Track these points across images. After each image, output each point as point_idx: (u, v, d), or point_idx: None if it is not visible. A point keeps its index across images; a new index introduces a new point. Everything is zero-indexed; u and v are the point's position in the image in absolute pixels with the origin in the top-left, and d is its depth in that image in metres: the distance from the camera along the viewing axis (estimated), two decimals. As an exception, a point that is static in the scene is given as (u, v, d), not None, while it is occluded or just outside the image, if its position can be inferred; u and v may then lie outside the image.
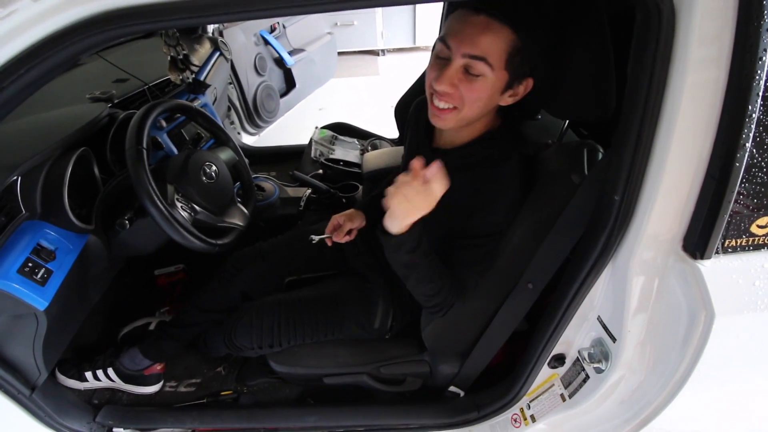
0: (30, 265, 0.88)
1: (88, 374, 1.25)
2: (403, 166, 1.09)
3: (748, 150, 0.58)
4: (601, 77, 0.78)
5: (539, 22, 0.75)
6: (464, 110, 0.80)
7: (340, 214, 1.11)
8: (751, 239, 0.65)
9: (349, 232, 1.10)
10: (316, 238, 1.09)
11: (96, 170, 1.09)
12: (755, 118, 0.57)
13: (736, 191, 0.60)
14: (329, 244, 1.09)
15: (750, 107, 0.56)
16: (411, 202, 0.73)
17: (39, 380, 0.99)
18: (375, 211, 1.13)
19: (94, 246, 1.04)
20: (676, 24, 0.58)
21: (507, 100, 0.81)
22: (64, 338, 1.09)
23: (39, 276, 0.89)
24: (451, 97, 0.79)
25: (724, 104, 0.59)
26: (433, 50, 0.83)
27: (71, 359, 1.28)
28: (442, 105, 0.81)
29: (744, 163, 0.59)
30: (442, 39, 0.78)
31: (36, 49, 0.65)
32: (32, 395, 0.98)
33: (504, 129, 0.89)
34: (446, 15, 0.87)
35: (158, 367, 1.29)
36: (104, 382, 1.26)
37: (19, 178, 0.90)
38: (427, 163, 0.92)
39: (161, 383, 1.31)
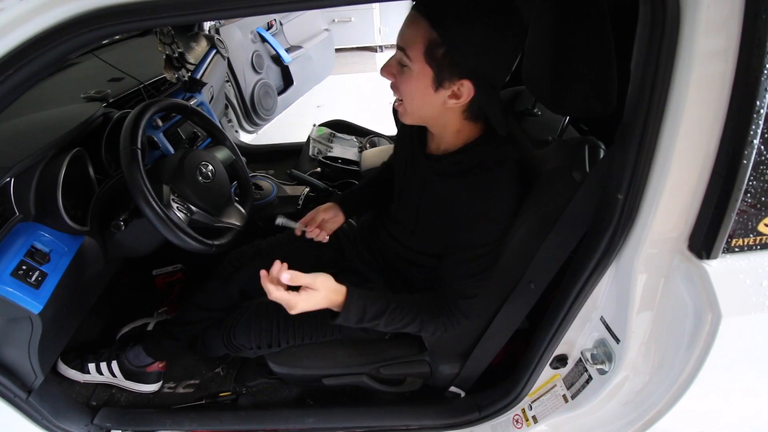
0: (24, 267, 0.87)
1: (91, 366, 1.26)
2: (395, 169, 1.07)
3: (756, 147, 0.56)
4: (603, 71, 0.76)
5: (461, 19, 0.72)
6: (406, 104, 0.83)
7: (318, 209, 1.11)
8: (758, 238, 0.63)
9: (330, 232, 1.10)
10: (281, 220, 1.07)
11: (91, 171, 1.08)
12: (763, 114, 0.55)
13: (743, 189, 0.58)
14: (297, 233, 1.09)
15: (758, 102, 0.54)
16: (303, 302, 0.80)
17: (35, 383, 0.98)
18: (354, 205, 1.14)
19: (89, 248, 1.03)
20: (681, 16, 0.56)
21: (451, 104, 0.79)
22: (60, 340, 1.08)
23: (33, 279, 0.88)
24: (395, 88, 0.83)
25: (731, 99, 0.57)
26: None
27: (75, 350, 1.28)
28: (395, 97, 0.85)
29: (752, 161, 0.57)
30: None
31: (24, 49, 0.63)
32: (29, 398, 0.97)
33: (489, 136, 0.87)
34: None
35: (159, 365, 1.29)
36: (105, 377, 1.26)
37: (13, 180, 0.89)
38: (423, 170, 0.92)
39: (160, 383, 1.30)
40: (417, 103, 0.82)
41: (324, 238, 1.08)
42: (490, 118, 0.83)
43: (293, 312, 0.81)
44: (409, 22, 0.77)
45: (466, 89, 0.77)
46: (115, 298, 1.48)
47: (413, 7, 0.76)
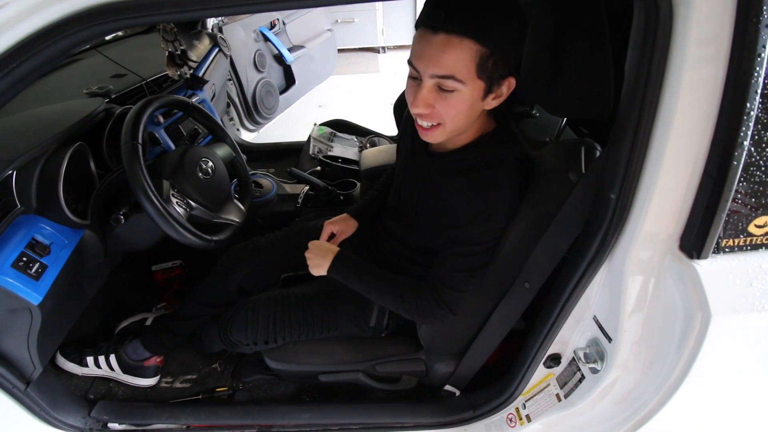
0: (24, 259, 0.88)
1: (90, 359, 1.26)
2: (396, 166, 1.08)
3: (746, 148, 0.57)
4: (600, 74, 0.77)
5: (500, 22, 0.72)
6: (448, 125, 0.79)
7: (334, 222, 1.11)
8: (748, 239, 0.64)
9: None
10: None
11: (92, 165, 1.09)
12: (753, 116, 0.56)
13: (733, 190, 0.59)
14: None
15: (748, 105, 0.55)
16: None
17: (34, 375, 0.99)
18: (368, 216, 1.15)
19: (89, 241, 1.04)
20: (673, 21, 0.57)
21: (492, 104, 0.80)
22: (59, 333, 1.09)
23: (33, 270, 0.89)
24: (430, 116, 0.78)
25: (722, 102, 0.57)
26: None
27: (74, 344, 1.29)
28: (425, 124, 0.81)
29: (742, 162, 0.58)
30: (409, 61, 0.78)
31: (28, 44, 0.64)
32: (27, 390, 0.98)
33: (499, 131, 0.88)
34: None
35: (158, 359, 1.30)
36: (103, 370, 1.27)
37: (15, 172, 0.90)
38: (424, 167, 0.93)
39: (158, 377, 1.31)
40: (462, 120, 0.79)
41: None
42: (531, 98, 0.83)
43: (308, 256, 1.00)
44: (444, 46, 0.71)
45: (508, 85, 0.78)
46: (115, 293, 1.49)
47: (443, 31, 0.70)
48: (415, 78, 0.78)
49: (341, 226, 1.11)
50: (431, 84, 0.75)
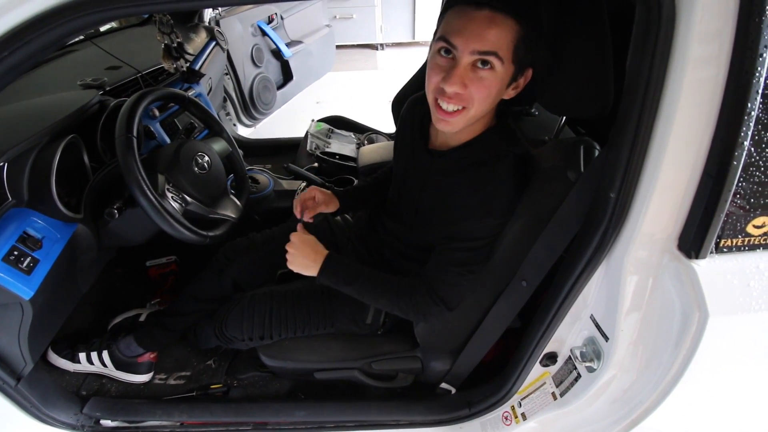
0: (15, 253, 0.86)
1: (82, 355, 1.25)
2: (394, 166, 1.07)
3: (746, 148, 0.57)
4: (601, 72, 0.76)
5: (538, 9, 0.75)
6: (473, 109, 0.78)
7: (323, 191, 1.10)
8: (746, 239, 0.64)
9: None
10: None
11: (86, 158, 1.07)
12: (754, 116, 0.56)
13: (733, 190, 0.59)
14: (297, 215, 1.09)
15: (749, 105, 0.55)
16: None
17: (25, 370, 0.97)
18: (351, 201, 1.15)
19: (82, 235, 1.02)
20: (676, 20, 0.57)
21: (510, 93, 0.80)
22: (51, 328, 1.07)
23: (25, 265, 0.87)
24: (460, 97, 0.76)
25: (723, 101, 0.57)
26: (430, 51, 0.80)
27: (66, 339, 1.27)
28: (450, 108, 0.78)
29: (742, 162, 0.58)
30: (443, 38, 0.75)
31: (20, 32, 0.63)
32: (18, 386, 0.96)
33: (500, 128, 0.88)
34: (444, 12, 0.85)
35: (151, 355, 1.28)
36: (96, 366, 1.26)
37: (6, 165, 0.88)
38: (424, 166, 0.92)
39: (151, 374, 1.30)
40: (487, 106, 0.78)
41: (307, 216, 1.07)
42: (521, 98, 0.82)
43: (289, 250, 0.97)
44: (489, 22, 0.70)
45: (526, 77, 0.78)
46: (108, 288, 1.48)
47: (489, 7, 0.71)
48: (446, 56, 0.76)
49: (325, 197, 1.10)
50: (470, 61, 0.73)
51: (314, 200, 1.09)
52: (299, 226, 1.01)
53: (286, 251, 0.99)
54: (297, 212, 1.07)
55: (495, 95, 0.78)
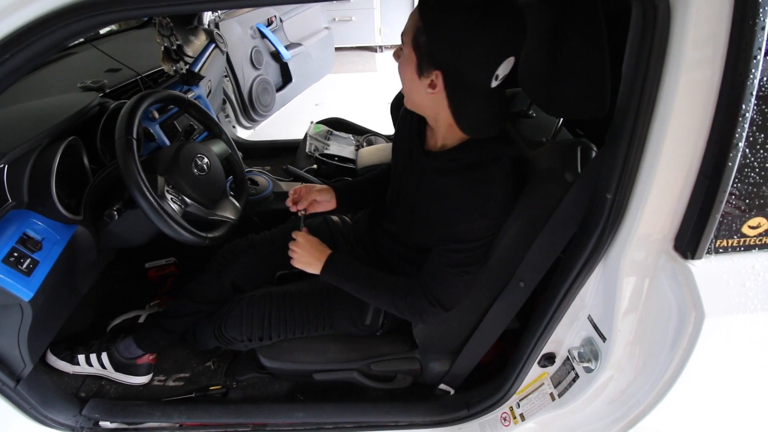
0: (15, 254, 0.87)
1: (81, 357, 1.25)
2: (393, 166, 1.08)
3: (741, 150, 0.58)
4: (597, 74, 0.77)
5: (443, 7, 0.75)
6: (402, 86, 0.88)
7: (320, 191, 1.12)
8: (742, 240, 0.64)
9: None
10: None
11: (85, 160, 1.07)
12: (749, 118, 0.56)
13: (728, 191, 0.60)
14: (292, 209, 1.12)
15: (744, 106, 0.56)
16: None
17: (24, 372, 0.97)
18: (348, 198, 1.16)
19: (82, 237, 1.02)
20: (671, 23, 0.57)
21: (429, 91, 0.81)
22: (50, 330, 1.07)
23: (24, 266, 0.88)
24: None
25: (717, 103, 0.58)
26: None
27: (65, 341, 1.27)
28: None
29: (737, 163, 0.58)
30: None
31: (20, 35, 0.63)
32: (17, 387, 0.96)
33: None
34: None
35: (150, 357, 1.28)
36: (95, 368, 1.26)
37: (6, 166, 0.89)
38: (420, 166, 0.93)
39: (151, 375, 1.30)
40: (407, 88, 0.87)
41: (301, 207, 1.11)
42: (456, 115, 0.82)
43: (294, 249, 1.00)
44: (412, 10, 0.81)
45: (440, 81, 0.79)
46: (107, 290, 1.48)
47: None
48: None
49: (325, 196, 1.12)
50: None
51: (307, 190, 1.11)
52: (305, 229, 1.04)
53: (285, 252, 1.00)
54: (289, 203, 1.11)
55: (407, 79, 0.84)
